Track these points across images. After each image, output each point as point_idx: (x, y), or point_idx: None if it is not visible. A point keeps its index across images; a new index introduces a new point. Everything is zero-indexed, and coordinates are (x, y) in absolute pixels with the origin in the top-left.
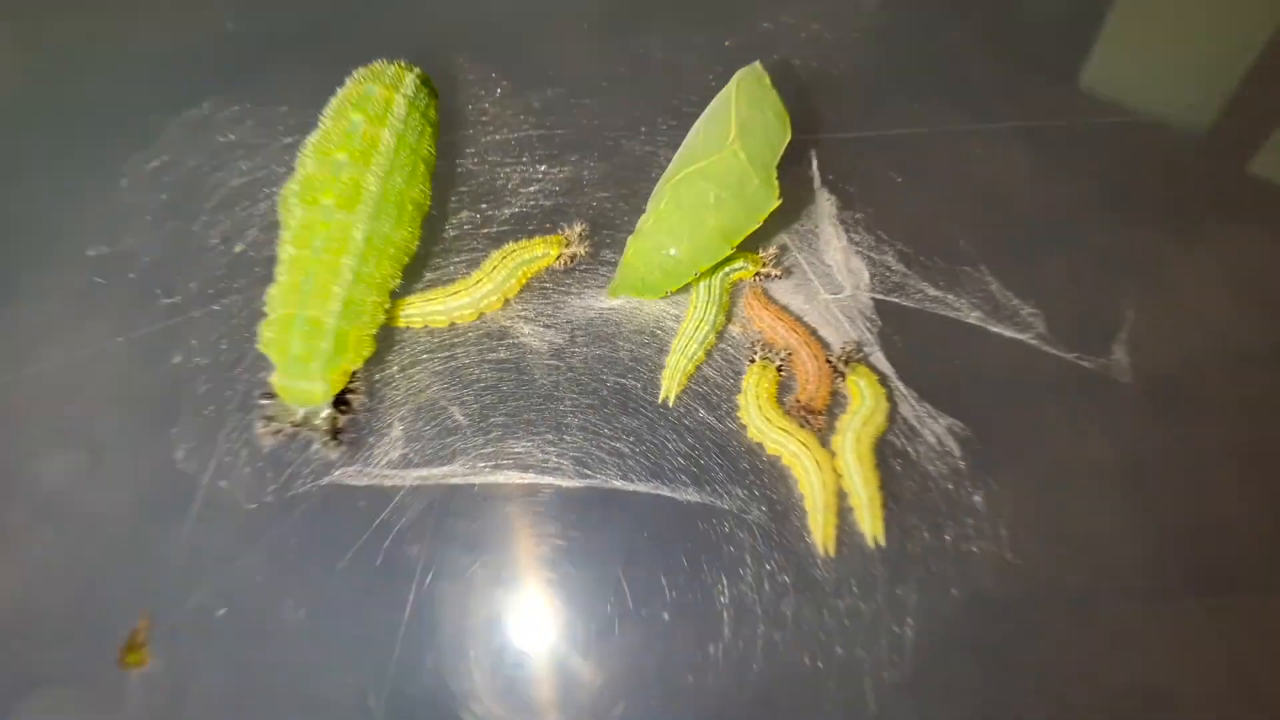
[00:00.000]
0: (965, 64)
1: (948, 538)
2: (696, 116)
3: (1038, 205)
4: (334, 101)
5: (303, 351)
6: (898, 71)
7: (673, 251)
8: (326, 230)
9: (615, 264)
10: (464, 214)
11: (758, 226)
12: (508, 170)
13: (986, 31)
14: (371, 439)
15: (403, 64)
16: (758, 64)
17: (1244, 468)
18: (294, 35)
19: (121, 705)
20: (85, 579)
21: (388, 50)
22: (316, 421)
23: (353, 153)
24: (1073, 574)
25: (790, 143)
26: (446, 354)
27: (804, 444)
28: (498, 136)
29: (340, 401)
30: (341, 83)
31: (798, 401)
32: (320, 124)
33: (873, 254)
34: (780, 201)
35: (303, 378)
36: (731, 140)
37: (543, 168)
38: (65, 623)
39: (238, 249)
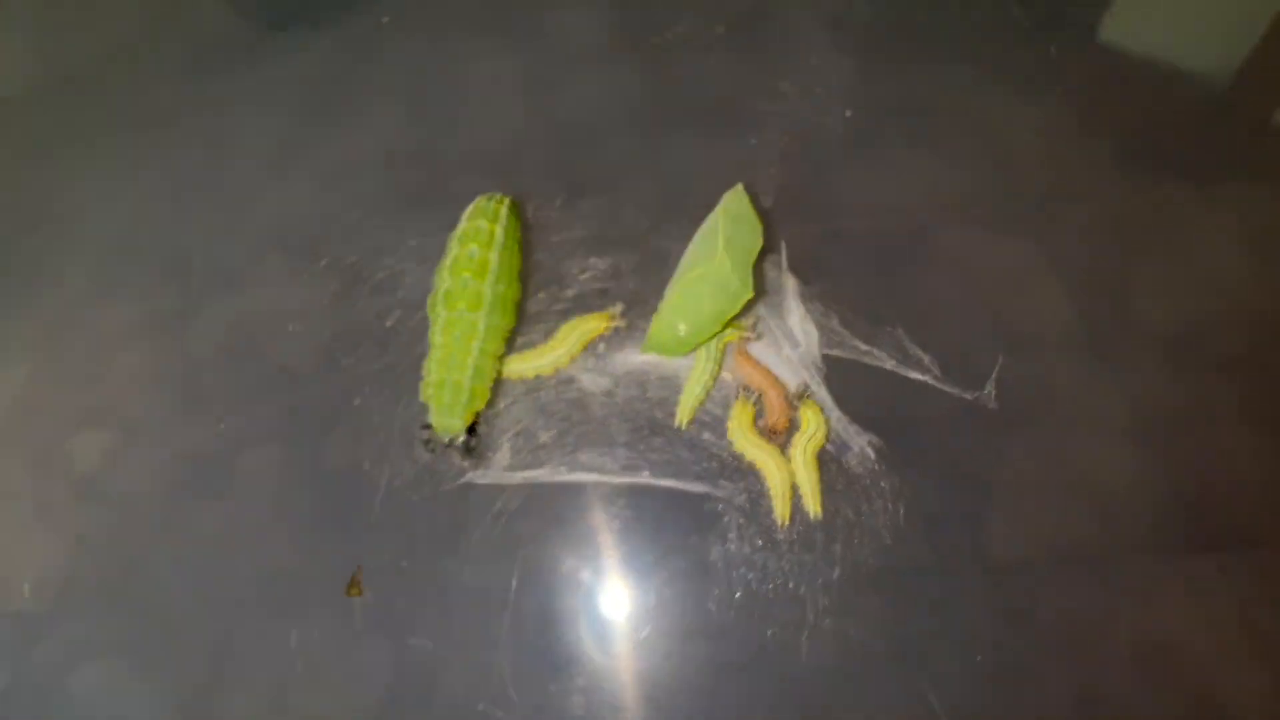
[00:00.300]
0: (897, 170)
1: (863, 513)
2: (702, 217)
3: (936, 278)
4: (456, 234)
5: (450, 402)
6: (846, 178)
7: (681, 329)
8: (461, 324)
9: (645, 331)
10: (540, 295)
11: (739, 310)
12: (568, 262)
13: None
14: (490, 454)
15: (498, 198)
16: (740, 186)
17: (1255, 426)
18: (407, 159)
19: (351, 623)
20: (310, 551)
21: (477, 167)
22: (457, 444)
23: (473, 272)
24: (950, 534)
25: (766, 236)
26: (535, 396)
27: (770, 454)
28: (559, 236)
29: (471, 430)
30: (448, 195)
31: (767, 424)
32: (448, 250)
33: (822, 320)
34: (752, 294)
35: (449, 417)
36: (720, 254)
37: (591, 259)
38: (307, 571)
39: (388, 324)
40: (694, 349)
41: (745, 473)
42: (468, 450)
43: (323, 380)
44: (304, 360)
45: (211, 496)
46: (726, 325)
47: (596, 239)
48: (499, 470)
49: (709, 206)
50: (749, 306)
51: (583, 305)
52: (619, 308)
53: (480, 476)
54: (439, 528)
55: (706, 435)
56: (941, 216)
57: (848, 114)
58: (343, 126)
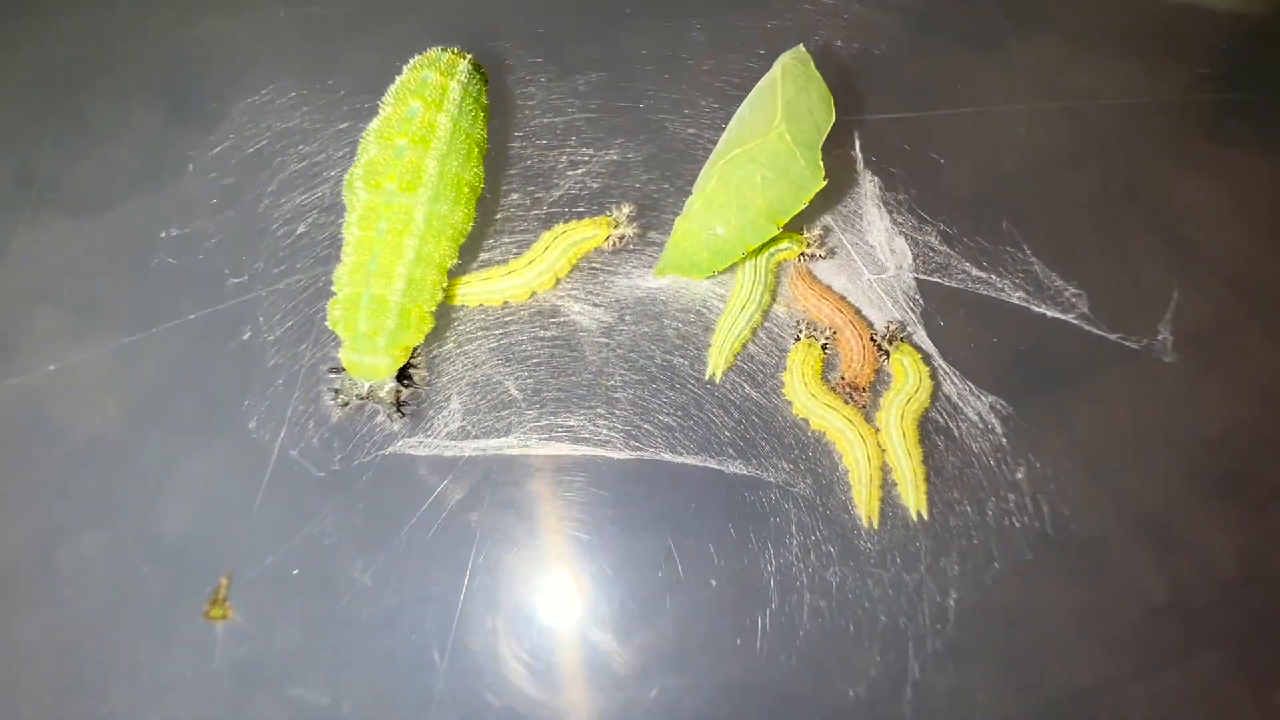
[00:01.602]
0: (1007, 42)
1: (989, 512)
2: (740, 99)
3: (1082, 185)
4: (392, 89)
5: (369, 328)
6: (939, 52)
7: (720, 231)
8: (390, 212)
9: (661, 245)
10: (514, 196)
11: (803, 207)
12: (555, 153)
13: (1028, 9)
14: (431, 412)
15: (456, 51)
16: (801, 47)
17: None
18: (344, 21)
19: (210, 656)
20: (172, 539)
21: (436, 37)
22: (381, 394)
23: (412, 138)
24: (1115, 550)
25: (834, 124)
26: (500, 331)
27: (849, 419)
28: (545, 120)
29: (402, 376)
30: (393, 68)
31: (843, 379)
32: (381, 110)
33: (915, 235)
34: (826, 182)
35: (369, 353)
36: (777, 123)
37: (589, 151)
38: (153, 582)
39: (299, 230)
40: (733, 265)
41: (811, 448)
42: (397, 405)
43: (203, 304)
44: (173, 281)
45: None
46: (779, 236)
47: (594, 123)
48: (443, 437)
49: (753, 82)
50: (812, 211)
51: (572, 210)
52: (625, 210)
53: (415, 445)
54: (351, 519)
55: (752, 392)
56: (1084, 98)
57: None
58: None
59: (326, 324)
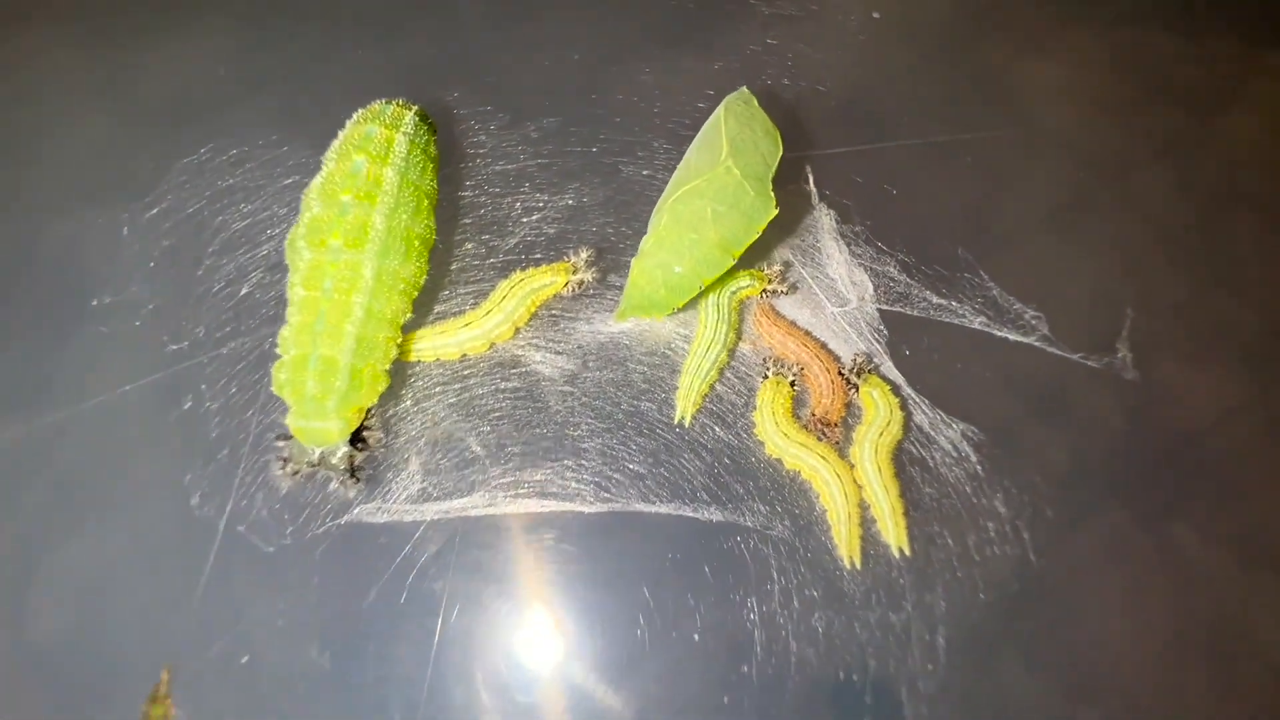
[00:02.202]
0: (949, 76)
1: (971, 543)
2: (690, 139)
3: (1031, 208)
4: (336, 144)
5: (318, 391)
6: (882, 86)
7: (676, 269)
8: (335, 270)
9: (621, 288)
10: (469, 245)
11: (757, 237)
12: (509, 200)
13: (962, 38)
14: (389, 475)
15: (400, 102)
16: (744, 89)
17: (1266, 464)
18: (287, 76)
19: None
20: (106, 631)
21: (381, 88)
22: (333, 460)
23: (357, 193)
24: (1097, 571)
25: (786, 160)
26: (460, 385)
27: (823, 457)
28: (497, 168)
29: (356, 439)
30: (338, 122)
31: (813, 415)
32: (324, 167)
33: (874, 265)
34: (778, 210)
35: (318, 417)
36: (724, 158)
37: (544, 196)
38: (87, 677)
39: (243, 291)
40: (693, 302)
41: (786, 488)
42: (351, 471)
43: (139, 374)
44: (107, 352)
45: None
46: (739, 274)
47: (547, 169)
48: (403, 501)
49: (703, 121)
50: (771, 247)
51: (529, 257)
52: (584, 255)
53: (373, 511)
54: (305, 597)
55: (722, 434)
56: (1030, 117)
57: (875, 15)
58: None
59: (272, 389)
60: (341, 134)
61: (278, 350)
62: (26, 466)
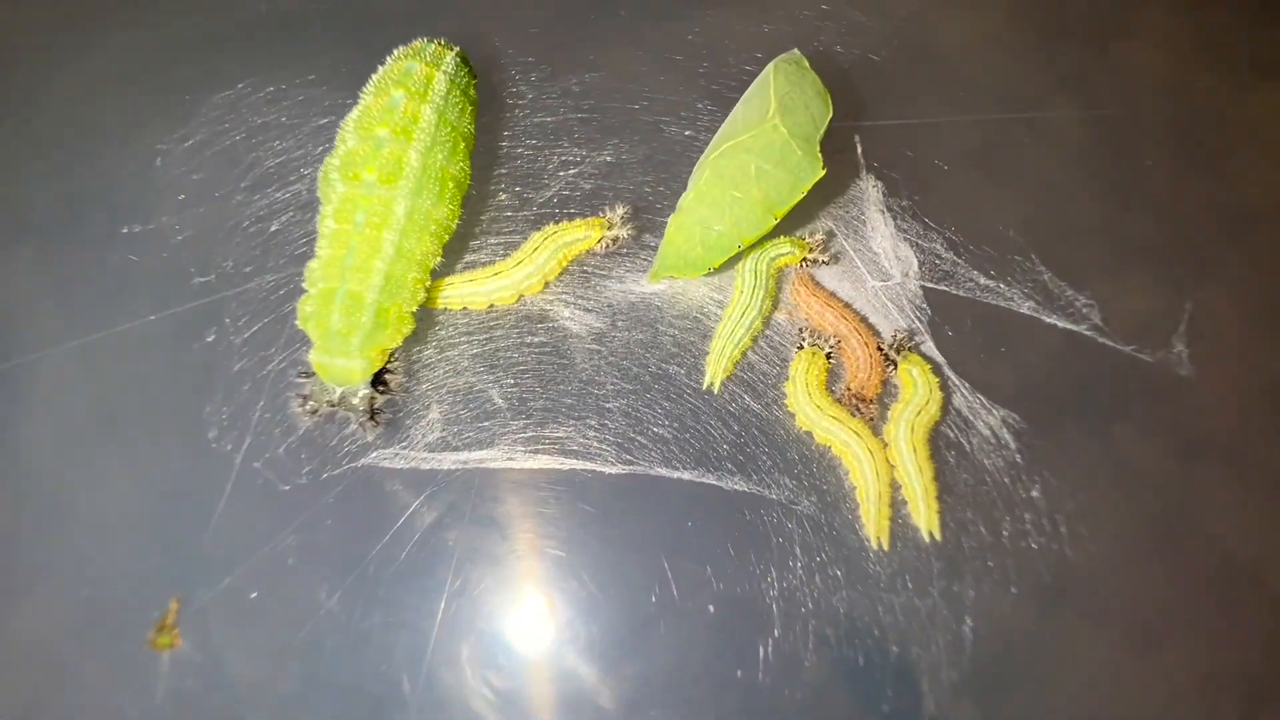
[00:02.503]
0: (1009, 49)
1: (1005, 533)
2: (735, 101)
3: (1090, 191)
4: (375, 78)
5: (343, 326)
6: (940, 58)
7: (716, 227)
8: (368, 205)
9: (655, 248)
10: (502, 196)
11: (801, 198)
12: (547, 153)
13: (1031, 15)
14: (409, 421)
15: (443, 42)
16: (795, 50)
17: None
18: (329, 15)
19: (153, 688)
20: (118, 560)
21: (425, 32)
22: (354, 401)
23: (394, 128)
24: (1136, 568)
25: (834, 129)
26: (485, 336)
27: (855, 433)
28: (536, 120)
29: (378, 381)
30: (379, 64)
31: (848, 390)
32: (361, 100)
33: (921, 241)
34: (825, 171)
35: (342, 354)
36: (771, 114)
37: (582, 151)
38: (100, 605)
39: (273, 228)
40: (730, 264)
41: (815, 463)
42: (371, 413)
43: (165, 304)
44: (135, 279)
45: None
46: (780, 240)
47: (587, 123)
48: (421, 449)
49: (749, 85)
50: (814, 216)
51: (563, 211)
52: (619, 212)
53: (391, 457)
54: (317, 538)
55: (752, 403)
56: (1088, 103)
57: None
58: None
59: (296, 324)
60: (381, 69)
61: (304, 285)
62: (54, 386)
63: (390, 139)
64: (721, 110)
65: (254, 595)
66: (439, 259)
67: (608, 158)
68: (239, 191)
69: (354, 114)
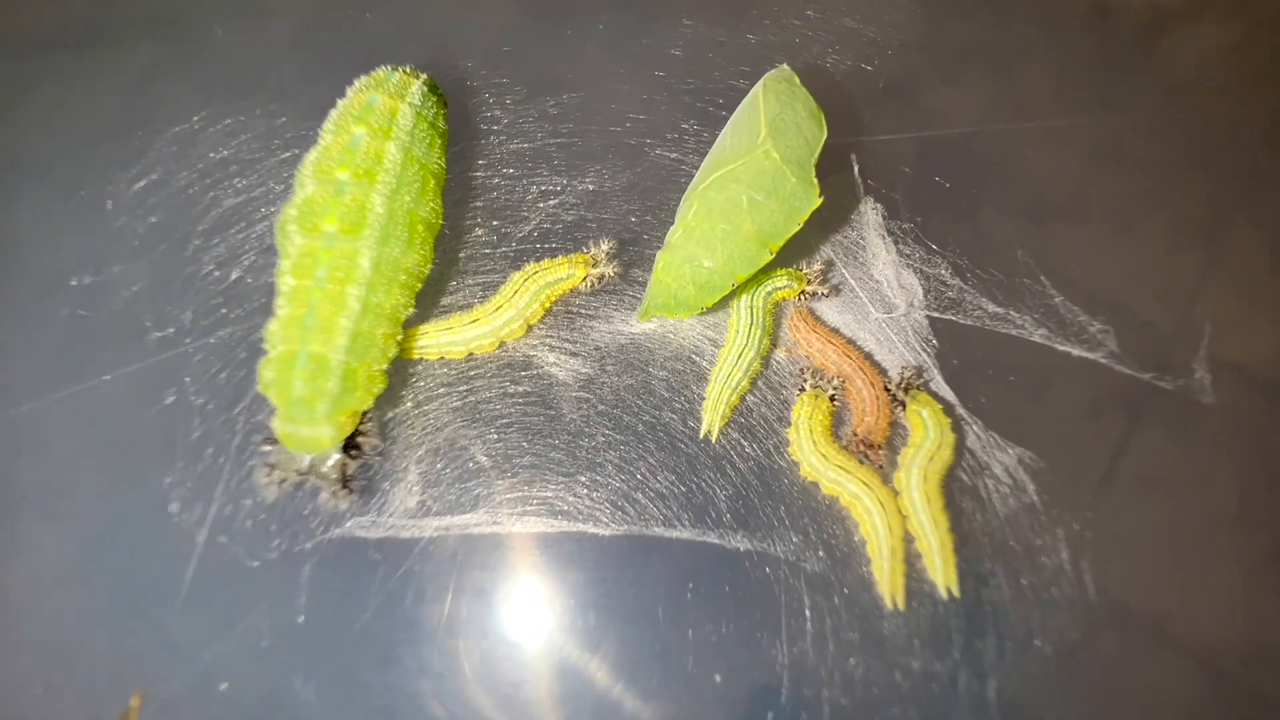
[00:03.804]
0: (1010, 56)
1: (1025, 584)
2: (723, 120)
3: (1100, 209)
4: (333, 114)
5: (307, 393)
6: (936, 67)
7: (707, 264)
8: (329, 258)
9: (643, 283)
10: (479, 231)
11: (798, 229)
12: (525, 183)
13: (1032, 20)
14: (386, 485)
15: (408, 70)
16: (785, 66)
17: None
18: (289, 42)
19: None
20: (71, 649)
21: (390, 56)
22: (324, 469)
23: (355, 170)
24: (1167, 617)
25: (828, 146)
26: (465, 388)
27: (864, 482)
28: (512, 146)
29: (350, 445)
30: (343, 92)
31: (855, 435)
32: (320, 139)
33: (924, 267)
34: (821, 200)
35: (307, 422)
36: (762, 140)
37: (562, 179)
38: (52, 699)
39: (233, 275)
40: (723, 302)
41: (822, 515)
42: (343, 481)
43: (119, 363)
44: (85, 336)
45: None
46: (776, 273)
47: (567, 149)
48: (399, 515)
49: (737, 102)
50: (811, 244)
51: (545, 246)
52: (604, 247)
53: (368, 525)
54: (291, 617)
55: (752, 450)
56: (1095, 113)
57: None
58: None
59: (258, 388)
60: (341, 102)
61: (264, 347)
62: None
63: (352, 183)
64: (708, 130)
65: (224, 686)
66: (411, 309)
67: (590, 185)
68: (196, 235)
69: (311, 155)
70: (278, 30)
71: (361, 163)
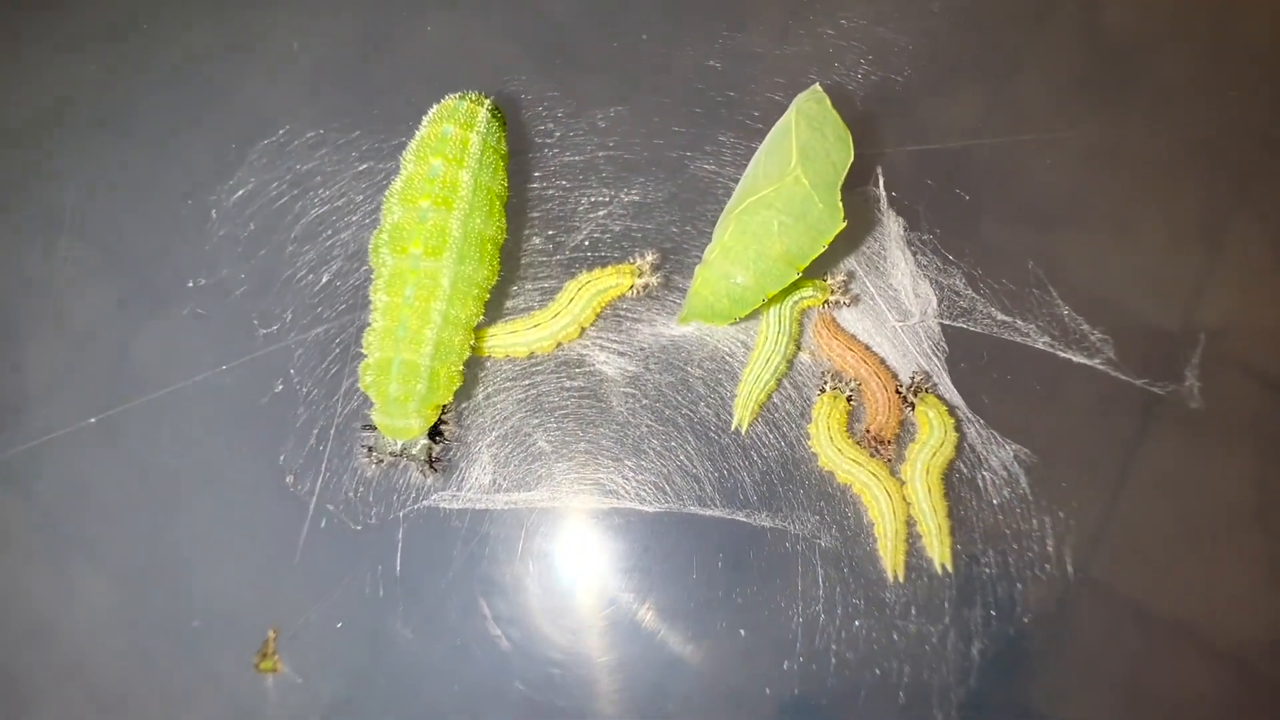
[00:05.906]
0: (1037, 71)
1: (1012, 563)
2: (759, 132)
3: (1111, 221)
4: (412, 145)
5: (400, 393)
6: (964, 79)
7: (739, 280)
8: (416, 277)
9: (684, 290)
10: (535, 241)
11: (823, 250)
12: (576, 194)
13: (1060, 37)
14: (463, 464)
15: (474, 98)
16: (817, 86)
17: None
18: (354, 52)
19: (261, 709)
20: (217, 594)
21: (449, 69)
22: (414, 452)
23: (435, 199)
24: (1140, 599)
25: (856, 158)
26: (527, 382)
27: (874, 474)
28: (564, 159)
29: (434, 432)
30: (408, 104)
31: (868, 431)
32: (403, 168)
33: (940, 277)
34: (845, 224)
35: (400, 416)
36: (793, 167)
37: (610, 191)
38: (205, 632)
39: (324, 279)
40: (756, 312)
41: (836, 499)
42: (429, 462)
43: (234, 355)
44: (203, 332)
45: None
46: (802, 283)
47: (614, 161)
48: (475, 491)
49: (774, 116)
50: (836, 254)
51: (595, 253)
52: (649, 258)
53: (448, 499)
54: (388, 572)
55: (777, 442)
56: (1113, 129)
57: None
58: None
59: (358, 386)
60: (418, 133)
61: (362, 350)
62: (141, 437)
63: (432, 210)
64: (744, 143)
65: (339, 625)
66: (481, 316)
67: (635, 197)
68: (290, 242)
69: (397, 184)
70: (346, 44)
71: (440, 191)
